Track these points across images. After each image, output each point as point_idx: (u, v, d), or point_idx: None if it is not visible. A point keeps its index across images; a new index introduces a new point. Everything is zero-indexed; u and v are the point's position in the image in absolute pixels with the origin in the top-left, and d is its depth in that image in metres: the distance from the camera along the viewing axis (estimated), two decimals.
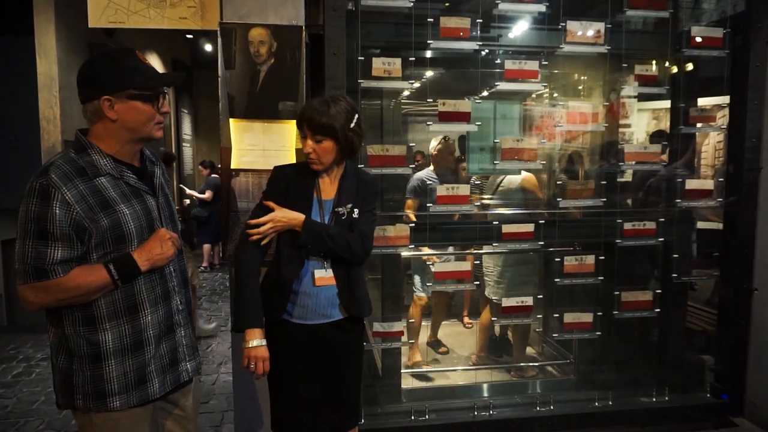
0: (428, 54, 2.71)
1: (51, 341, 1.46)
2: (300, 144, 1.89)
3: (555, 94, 3.48)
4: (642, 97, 4.71)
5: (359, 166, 2.46)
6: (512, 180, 3.31)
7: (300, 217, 1.71)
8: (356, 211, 1.78)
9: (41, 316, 1.45)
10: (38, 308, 1.37)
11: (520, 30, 2.79)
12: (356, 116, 1.73)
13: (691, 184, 2.76)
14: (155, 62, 6.94)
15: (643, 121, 5.47)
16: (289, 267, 1.73)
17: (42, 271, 1.33)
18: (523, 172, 3.27)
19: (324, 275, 1.73)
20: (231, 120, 2.21)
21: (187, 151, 8.64)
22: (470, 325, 4.41)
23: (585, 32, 2.60)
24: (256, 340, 1.69)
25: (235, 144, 2.22)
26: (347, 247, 1.74)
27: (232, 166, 2.23)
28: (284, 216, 1.70)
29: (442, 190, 2.57)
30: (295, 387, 1.79)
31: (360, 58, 2.45)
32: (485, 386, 3.20)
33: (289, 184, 1.78)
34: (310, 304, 1.75)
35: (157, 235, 1.47)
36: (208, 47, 7.90)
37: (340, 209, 1.77)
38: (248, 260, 1.74)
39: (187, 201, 7.70)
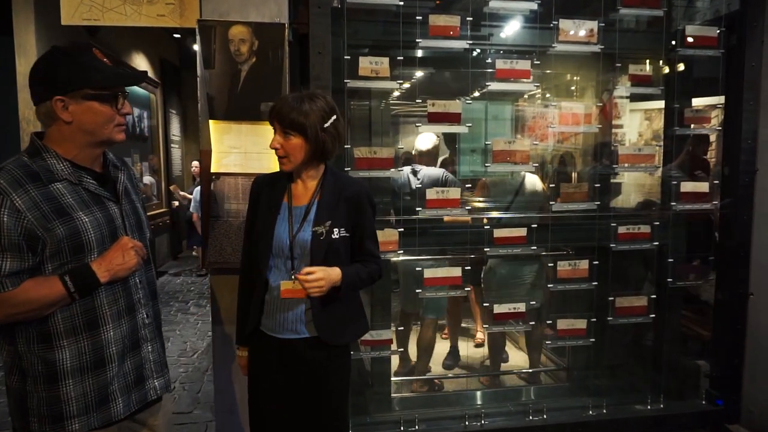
0: (417, 53, 2.64)
1: (4, 360, 1.35)
2: None
3: (547, 95, 3.42)
4: (634, 98, 4.66)
5: (346, 169, 2.39)
6: (534, 181, 3.12)
7: (338, 276, 1.58)
8: (336, 230, 1.61)
9: None
10: None
11: (511, 29, 2.72)
12: (333, 117, 1.59)
13: (686, 186, 2.70)
14: (142, 62, 6.83)
15: (635, 122, 5.43)
16: (259, 277, 1.64)
17: None
18: (527, 174, 3.13)
19: (290, 287, 1.59)
20: (211, 121, 2.12)
21: (176, 153, 8.52)
22: (481, 342, 4.08)
23: (578, 31, 2.53)
24: (242, 352, 1.79)
25: (216, 146, 2.13)
26: (371, 282, 1.73)
27: (213, 170, 2.14)
28: (329, 278, 1.55)
29: (432, 194, 2.49)
30: (266, 401, 1.70)
31: (346, 57, 2.37)
32: (478, 394, 3.13)
33: (260, 193, 1.69)
34: (278, 316, 1.64)
35: (118, 244, 1.36)
36: (197, 47, 7.79)
37: (318, 228, 1.60)
38: (242, 275, 1.76)
39: (176, 203, 7.59)
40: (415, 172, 3.16)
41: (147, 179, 6.95)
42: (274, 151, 1.60)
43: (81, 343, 1.33)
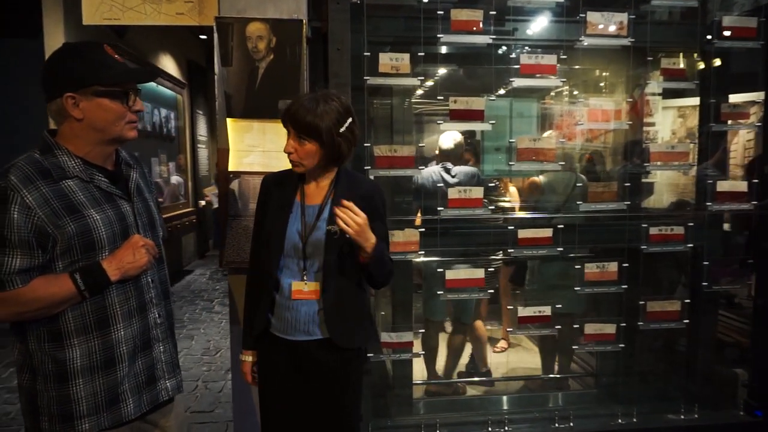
0: (439, 49, 2.57)
1: (15, 358, 1.35)
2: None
3: (575, 92, 3.31)
4: (667, 94, 4.49)
5: (366, 168, 2.35)
6: (583, 178, 3.01)
7: (373, 238, 1.52)
8: None
9: None
10: (4, 318, 1.27)
11: (536, 23, 2.63)
12: (349, 120, 1.53)
13: (723, 185, 2.57)
14: (169, 63, 6.92)
15: (668, 120, 5.25)
16: (269, 276, 1.60)
17: None
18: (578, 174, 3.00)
19: (302, 288, 1.56)
20: (228, 120, 2.10)
21: (203, 152, 8.62)
22: (504, 349, 4.00)
23: (607, 24, 2.43)
24: (244, 356, 1.75)
25: (233, 145, 2.11)
26: (386, 278, 1.67)
27: (230, 168, 2.12)
28: (365, 225, 1.48)
29: (453, 193, 2.43)
30: (276, 403, 1.66)
31: (366, 53, 2.32)
32: (502, 399, 3.05)
33: (270, 192, 1.65)
34: (289, 317, 1.60)
35: (129, 242, 1.35)
36: (215, 44, 7.85)
37: (332, 227, 1.54)
38: (250, 277, 1.73)
39: (203, 202, 7.67)
40: (447, 170, 3.08)
41: (174, 179, 7.05)
42: (287, 154, 1.56)
43: (91, 342, 1.32)
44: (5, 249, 1.22)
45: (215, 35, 2.05)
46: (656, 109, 5.09)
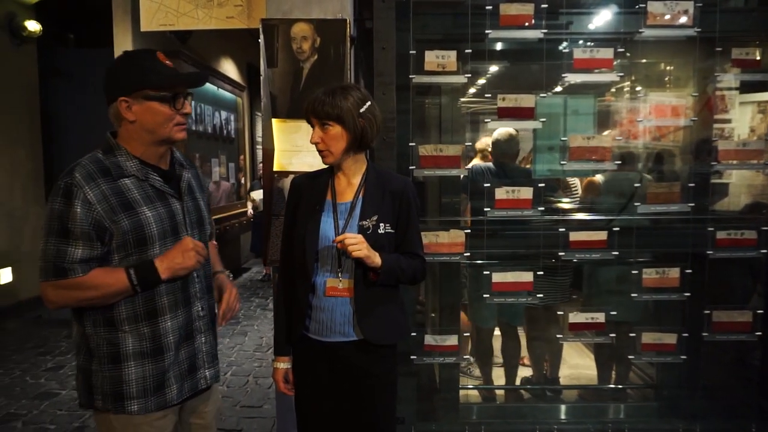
0: (487, 46, 2.50)
1: (74, 339, 1.47)
2: None
3: (637, 87, 3.13)
4: (744, 88, 4.16)
5: (410, 167, 2.32)
6: (649, 178, 2.86)
7: (378, 259, 1.53)
8: (382, 225, 1.56)
9: None
10: (58, 306, 1.38)
11: (592, 15, 2.51)
12: (368, 102, 1.56)
13: None
14: (230, 67, 7.17)
15: (746, 116, 4.88)
16: (304, 277, 1.60)
17: (61, 269, 1.33)
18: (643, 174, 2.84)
19: (336, 285, 1.57)
20: (273, 120, 2.13)
21: (261, 154, 8.87)
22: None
23: (670, 14, 2.27)
24: (278, 363, 1.72)
25: (278, 145, 2.14)
26: (413, 278, 1.66)
27: (275, 168, 2.15)
28: (368, 248, 1.51)
29: (501, 193, 2.35)
30: (312, 408, 1.66)
31: (412, 51, 2.29)
32: (555, 408, 2.92)
33: (301, 193, 1.65)
34: (324, 319, 1.60)
35: (180, 245, 1.43)
36: (261, 46, 8.03)
37: (364, 222, 1.56)
38: (281, 282, 1.72)
39: (249, 211, 7.45)
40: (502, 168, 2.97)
41: (234, 180, 7.28)
42: (315, 145, 1.58)
43: (142, 330, 1.41)
44: (68, 240, 1.33)
45: (261, 37, 2.08)
46: (732, 104, 4.74)
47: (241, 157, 7.65)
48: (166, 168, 1.49)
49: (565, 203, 3.21)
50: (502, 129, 3.04)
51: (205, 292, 1.55)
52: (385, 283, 1.57)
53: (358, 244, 1.48)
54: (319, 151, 1.58)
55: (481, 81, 3.10)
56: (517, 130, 3.08)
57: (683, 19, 2.28)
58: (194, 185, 1.57)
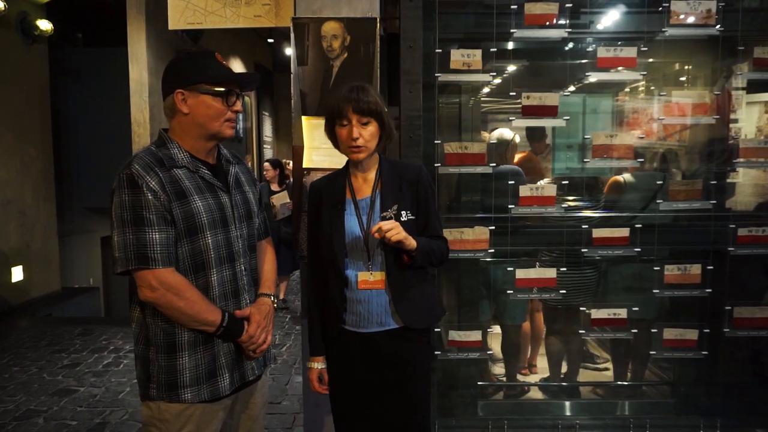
0: (510, 45, 2.53)
1: (133, 330, 1.50)
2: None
3: (651, 87, 3.15)
4: (752, 88, 4.19)
5: (436, 165, 2.34)
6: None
7: (414, 242, 1.58)
8: (403, 213, 1.62)
9: None
10: (152, 297, 1.39)
11: (614, 15, 2.53)
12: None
13: None
14: (238, 66, 7.19)
15: (753, 116, 4.91)
16: (338, 274, 1.63)
17: (144, 256, 1.36)
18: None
19: (368, 278, 1.61)
20: (303, 117, 2.15)
21: (268, 153, 8.90)
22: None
23: (693, 13, 2.30)
24: (313, 363, 1.73)
25: (307, 142, 2.17)
26: (441, 259, 1.71)
27: (304, 165, 2.17)
28: (400, 227, 1.55)
29: (525, 191, 2.38)
30: (350, 399, 1.69)
31: (438, 50, 2.32)
32: (572, 404, 2.94)
33: (321, 196, 1.69)
34: (362, 311, 1.63)
35: (263, 324, 1.54)
36: (288, 51, 8.08)
37: (386, 213, 1.61)
38: (312, 284, 1.75)
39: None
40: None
41: None
42: (353, 141, 1.59)
43: None
44: (145, 227, 1.36)
45: (292, 35, 2.10)
46: (740, 104, 4.77)
47: (248, 156, 7.68)
48: (213, 163, 1.54)
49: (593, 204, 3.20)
50: (496, 131, 3.08)
51: (251, 285, 1.59)
52: (420, 264, 1.62)
53: (394, 229, 1.52)
54: (356, 147, 1.59)
55: (497, 81, 3.12)
56: (514, 133, 3.10)
57: (699, 13, 2.30)
58: (243, 179, 1.61)
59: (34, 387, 3.55)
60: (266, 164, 5.58)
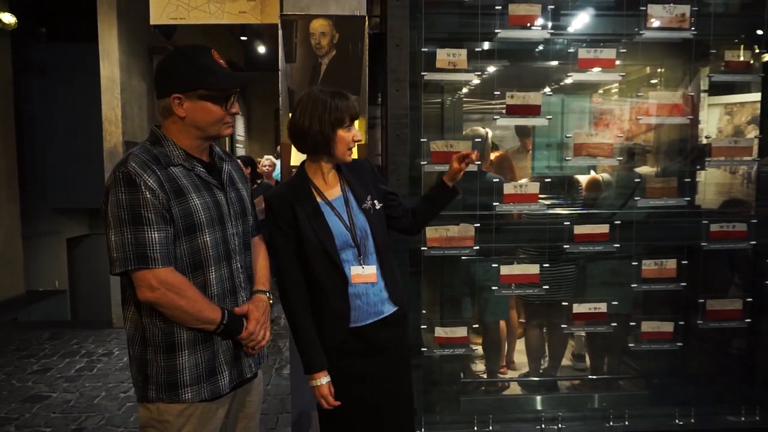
0: (491, 45, 2.57)
1: (127, 331, 1.46)
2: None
3: (623, 86, 3.25)
4: (714, 91, 4.35)
5: (422, 162, 2.36)
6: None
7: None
8: (376, 203, 1.71)
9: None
10: (152, 297, 1.36)
11: (590, 17, 2.60)
12: None
13: None
14: None
15: (714, 117, 5.11)
16: (340, 276, 1.63)
17: (143, 256, 1.33)
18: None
19: (360, 272, 1.64)
20: (291, 115, 2.13)
21: (240, 152, 8.78)
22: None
23: (668, 16, 2.38)
24: (319, 379, 1.63)
25: None
26: None
27: (292, 163, 2.16)
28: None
29: (509, 188, 2.42)
30: (357, 402, 1.68)
31: (424, 49, 2.34)
32: (547, 398, 3.00)
33: (291, 206, 1.62)
34: (360, 304, 1.65)
35: (261, 321, 1.53)
36: (262, 49, 7.98)
37: (365, 205, 1.68)
38: (294, 299, 1.63)
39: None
40: None
41: None
42: (357, 142, 1.67)
43: None
44: (143, 226, 1.33)
45: (280, 32, 2.09)
46: (702, 106, 4.95)
47: None
48: (207, 160, 1.52)
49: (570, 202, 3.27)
50: (471, 130, 3.12)
51: (248, 282, 1.57)
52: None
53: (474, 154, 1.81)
54: (351, 149, 1.65)
55: (476, 81, 3.16)
56: (486, 132, 3.14)
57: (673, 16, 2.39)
58: (235, 177, 1.59)
59: (4, 394, 3.42)
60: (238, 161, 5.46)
